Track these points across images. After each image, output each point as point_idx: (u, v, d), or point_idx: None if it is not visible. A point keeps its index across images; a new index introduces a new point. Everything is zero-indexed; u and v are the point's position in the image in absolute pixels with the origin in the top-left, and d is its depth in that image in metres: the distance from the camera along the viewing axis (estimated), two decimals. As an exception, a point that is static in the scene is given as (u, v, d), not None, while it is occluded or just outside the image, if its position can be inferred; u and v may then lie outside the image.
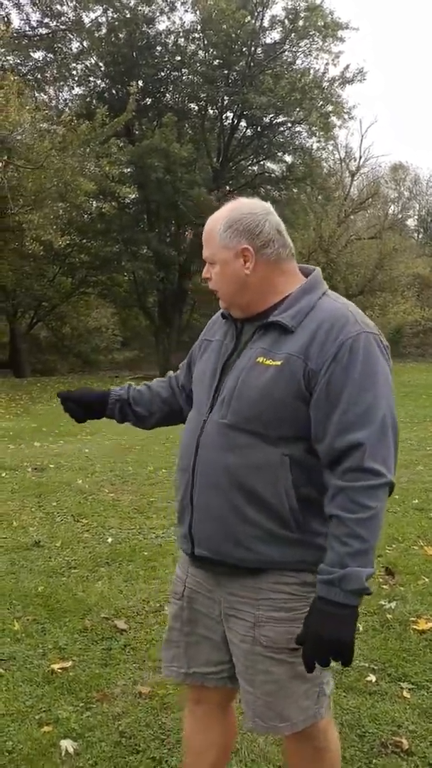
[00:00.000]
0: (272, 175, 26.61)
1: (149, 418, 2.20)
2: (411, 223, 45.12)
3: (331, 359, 1.67)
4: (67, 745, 2.59)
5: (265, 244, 1.79)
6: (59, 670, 3.15)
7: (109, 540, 5.07)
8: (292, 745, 1.95)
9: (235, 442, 1.74)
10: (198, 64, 23.62)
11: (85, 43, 23.04)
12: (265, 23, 23.86)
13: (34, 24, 22.16)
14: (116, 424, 2.30)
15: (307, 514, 1.74)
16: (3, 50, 20.37)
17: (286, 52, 24.24)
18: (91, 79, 24.68)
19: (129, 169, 22.24)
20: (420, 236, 45.00)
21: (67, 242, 18.71)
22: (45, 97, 22.60)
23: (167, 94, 25.02)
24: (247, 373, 1.75)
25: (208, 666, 1.95)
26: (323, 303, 1.78)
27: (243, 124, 25.69)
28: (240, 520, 1.74)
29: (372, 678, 3.12)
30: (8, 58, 21.40)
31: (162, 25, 23.93)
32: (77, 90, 24.78)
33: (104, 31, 23.21)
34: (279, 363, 1.71)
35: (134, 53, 23.06)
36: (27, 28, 22.20)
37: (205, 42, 23.49)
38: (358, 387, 1.66)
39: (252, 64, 23.35)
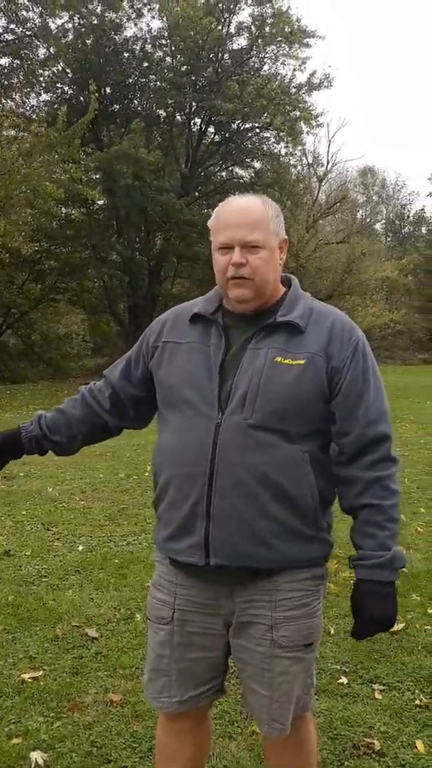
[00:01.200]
0: (241, 180, 26.68)
1: (72, 444, 2.06)
2: (379, 227, 45.63)
3: (350, 358, 1.79)
4: (36, 756, 2.56)
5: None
6: (29, 680, 3.11)
7: (80, 548, 5.04)
8: (275, 737, 1.90)
9: (262, 441, 1.73)
10: (165, 71, 23.62)
11: (51, 50, 22.90)
12: (232, 29, 23.98)
13: (0, 30, 22.01)
14: (71, 455, 2.20)
15: (323, 509, 1.81)
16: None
17: (253, 59, 24.36)
18: (59, 85, 24.56)
19: (97, 176, 22.17)
20: (388, 240, 45.50)
21: (36, 248, 18.57)
22: (12, 103, 22.41)
23: (135, 101, 24.98)
24: (268, 373, 1.75)
25: (200, 686, 1.90)
26: (317, 306, 1.88)
27: (211, 129, 25.75)
28: (269, 521, 1.74)
29: (344, 680, 3.13)
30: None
31: (129, 31, 23.89)
32: (44, 96, 24.66)
33: (71, 37, 23.12)
34: (302, 362, 1.75)
35: (101, 60, 23.00)
36: (-8, 34, 22.03)
37: (173, 48, 23.53)
38: (374, 387, 1.81)
39: (219, 70, 23.43)
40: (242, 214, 1.80)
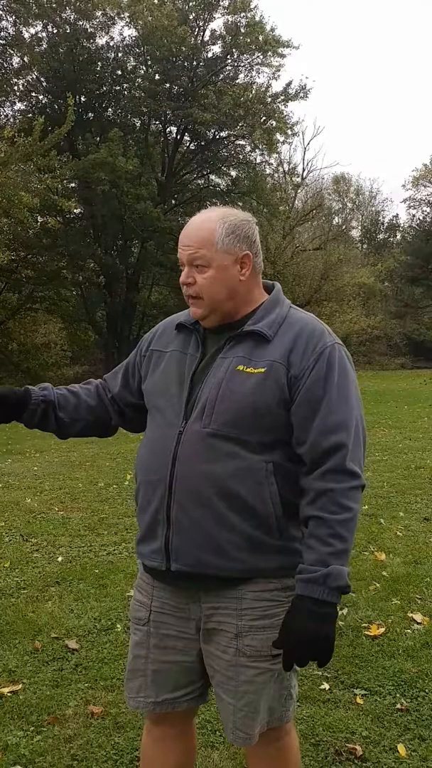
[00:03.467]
0: (218, 188, 26.79)
1: (71, 426, 2.02)
2: (355, 233, 45.93)
3: (311, 367, 1.74)
4: (17, 771, 2.53)
5: (257, 253, 1.84)
6: (9, 694, 3.07)
7: (60, 559, 4.99)
8: (256, 748, 1.89)
9: (220, 450, 1.73)
10: (140, 79, 23.70)
11: (26, 59, 22.86)
12: (206, 38, 24.09)
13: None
14: (65, 440, 2.16)
15: (288, 519, 1.77)
16: None
17: (228, 67, 24.48)
18: (33, 94, 24.51)
19: (73, 184, 22.12)
20: (364, 246, 45.83)
21: (12, 258, 18.44)
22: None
23: (110, 109, 25.01)
24: (228, 382, 1.75)
25: (178, 690, 1.89)
26: (293, 314, 1.85)
27: (187, 138, 25.84)
28: (226, 530, 1.72)
29: (325, 686, 3.12)
30: None
31: (102, 40, 23.94)
32: (19, 105, 24.61)
33: (45, 46, 23.09)
34: (262, 370, 1.74)
35: (75, 68, 22.99)
36: (-35, 43, 21.93)
37: (147, 57, 23.58)
38: (336, 396, 1.74)
39: (194, 78, 23.52)
40: (190, 233, 1.80)
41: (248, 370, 1.75)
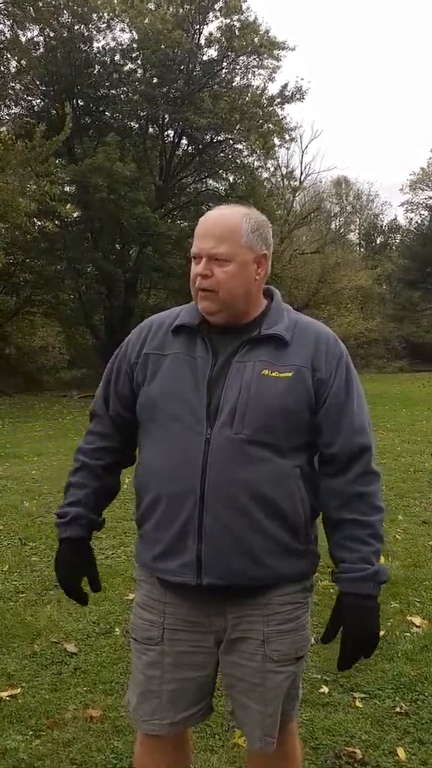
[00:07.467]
0: (215, 192, 26.77)
1: (112, 496, 2.01)
2: (353, 237, 45.99)
3: (334, 370, 1.78)
4: (16, 775, 2.52)
5: (270, 256, 1.85)
6: (7, 698, 3.07)
7: (58, 562, 4.98)
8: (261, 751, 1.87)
9: (254, 456, 1.70)
10: (137, 83, 23.68)
11: (23, 62, 22.85)
12: (202, 41, 24.10)
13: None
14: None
15: (311, 523, 1.80)
16: None
17: (224, 70, 24.50)
18: (30, 98, 24.50)
19: (70, 188, 22.12)
20: (362, 250, 45.89)
21: (10, 261, 18.44)
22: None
23: (107, 113, 25.01)
24: (257, 387, 1.72)
25: (192, 707, 1.86)
26: (302, 318, 1.86)
27: (184, 141, 25.85)
28: (261, 537, 1.71)
29: (325, 689, 3.12)
30: None
31: (99, 44, 23.94)
32: (15, 109, 24.57)
33: (42, 50, 23.10)
34: (290, 374, 1.73)
35: (73, 72, 23.00)
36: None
37: (143, 61, 23.59)
38: (356, 399, 1.80)
39: (191, 82, 23.53)
40: (214, 226, 1.76)
41: (274, 374, 1.73)
